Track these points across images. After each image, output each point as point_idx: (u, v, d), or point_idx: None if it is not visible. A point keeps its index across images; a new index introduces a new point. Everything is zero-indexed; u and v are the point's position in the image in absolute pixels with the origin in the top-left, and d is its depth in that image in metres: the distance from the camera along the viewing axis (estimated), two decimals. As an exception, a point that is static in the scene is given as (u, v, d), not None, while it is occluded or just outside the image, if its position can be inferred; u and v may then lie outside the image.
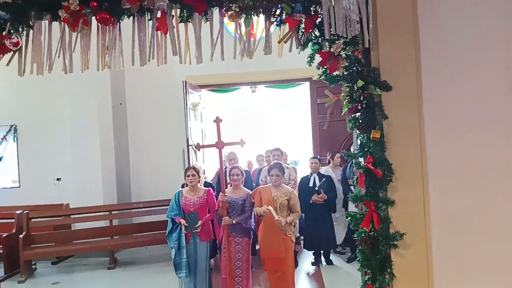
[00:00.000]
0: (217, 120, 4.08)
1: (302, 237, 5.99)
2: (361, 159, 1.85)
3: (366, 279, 1.88)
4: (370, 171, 1.80)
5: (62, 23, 1.90)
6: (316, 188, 5.53)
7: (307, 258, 5.96)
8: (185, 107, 6.94)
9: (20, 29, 1.94)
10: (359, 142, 1.89)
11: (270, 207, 3.99)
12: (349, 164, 5.80)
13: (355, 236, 1.86)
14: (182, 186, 5.01)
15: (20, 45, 1.93)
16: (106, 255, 6.66)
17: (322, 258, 5.82)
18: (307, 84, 7.38)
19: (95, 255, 6.66)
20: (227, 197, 4.17)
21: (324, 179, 5.59)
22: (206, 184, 5.23)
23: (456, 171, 1.86)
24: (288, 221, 4.02)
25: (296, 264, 5.17)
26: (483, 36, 1.87)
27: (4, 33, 1.96)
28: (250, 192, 4.29)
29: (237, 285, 4.16)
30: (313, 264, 5.71)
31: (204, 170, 7.29)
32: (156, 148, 7.39)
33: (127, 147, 7.76)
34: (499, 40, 1.87)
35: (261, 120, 8.99)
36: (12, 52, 2.00)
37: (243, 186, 4.53)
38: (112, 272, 6.23)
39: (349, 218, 1.91)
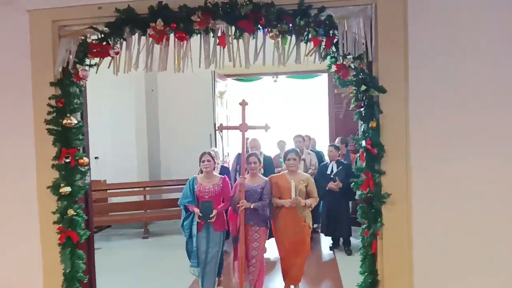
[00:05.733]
0: (243, 103, 3.97)
1: (315, 225, 5.91)
2: (363, 142, 2.65)
3: (363, 227, 2.70)
4: (368, 150, 2.60)
5: (149, 38, 2.73)
6: (332, 176, 5.64)
7: (322, 244, 6.14)
8: (213, 95, 7.75)
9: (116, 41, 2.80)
10: (362, 129, 2.69)
11: (292, 181, 3.88)
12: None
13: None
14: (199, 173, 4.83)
15: (119, 53, 2.78)
16: (139, 227, 7.63)
17: (341, 245, 5.85)
18: (325, 76, 8.10)
19: (130, 226, 7.63)
20: (246, 186, 3.94)
21: (341, 167, 5.65)
22: (222, 169, 5.49)
23: (434, 151, 2.62)
24: (307, 204, 3.98)
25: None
26: (474, 48, 2.58)
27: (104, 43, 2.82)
28: (268, 180, 4.14)
29: (250, 274, 4.06)
30: (331, 248, 5.82)
31: (228, 153, 8.11)
32: (185, 131, 8.22)
33: (158, 130, 8.62)
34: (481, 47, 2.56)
35: (282, 108, 9.68)
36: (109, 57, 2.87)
37: (265, 173, 4.51)
38: (146, 241, 7.18)
39: (353, 183, 2.72)
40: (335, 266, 5.32)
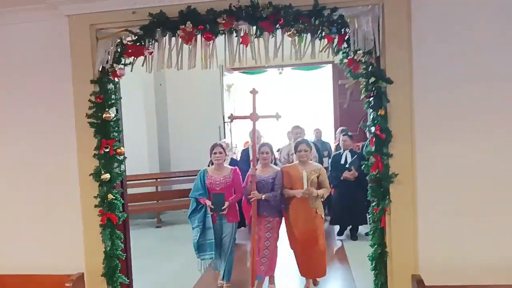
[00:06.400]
0: (253, 92, 3.88)
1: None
2: (372, 128, 3.01)
3: (373, 204, 3.07)
4: (378, 136, 2.96)
5: (179, 38, 3.07)
6: (347, 166, 5.63)
7: (331, 234, 6.16)
8: (221, 87, 8.08)
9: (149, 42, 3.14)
10: (371, 117, 3.04)
11: (304, 172, 3.88)
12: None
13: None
14: (209, 165, 4.74)
15: (153, 53, 3.13)
16: (152, 216, 7.99)
17: (347, 232, 5.95)
18: (329, 67, 8.43)
19: (143, 216, 8.00)
20: (257, 177, 3.96)
21: (356, 156, 5.62)
22: (232, 161, 5.58)
23: (437, 134, 2.97)
24: (319, 194, 3.95)
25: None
26: (469, 44, 2.91)
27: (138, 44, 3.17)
28: (279, 169, 4.15)
29: (262, 265, 4.07)
30: (338, 234, 5.89)
31: (236, 144, 8.45)
32: (194, 124, 8.54)
33: (167, 123, 8.93)
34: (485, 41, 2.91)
35: (287, 99, 10.02)
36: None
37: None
38: (159, 230, 7.56)
39: (364, 165, 3.09)
40: (344, 253, 5.50)
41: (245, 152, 6.28)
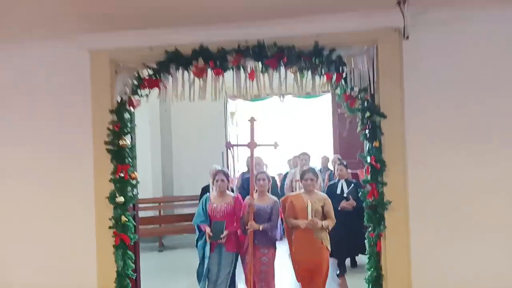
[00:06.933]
0: (252, 120, 3.95)
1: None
2: (368, 158, 3.30)
3: (369, 229, 3.32)
4: (373, 165, 3.24)
5: (191, 73, 3.41)
6: (345, 195, 5.45)
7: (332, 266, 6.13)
8: (225, 114, 8.40)
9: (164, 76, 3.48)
10: (367, 148, 3.34)
11: (309, 202, 3.82)
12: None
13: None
14: (205, 189, 4.92)
15: (167, 85, 3.47)
16: (155, 240, 8.14)
17: (348, 262, 5.74)
18: (328, 95, 8.77)
19: (145, 240, 8.14)
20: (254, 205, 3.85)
21: (352, 185, 5.47)
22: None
23: (428, 165, 3.26)
24: (324, 225, 3.87)
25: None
26: (458, 79, 3.23)
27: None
28: (277, 199, 4.09)
29: None
30: (338, 276, 5.52)
31: (239, 170, 8.67)
32: (197, 150, 8.78)
33: (171, 149, 9.17)
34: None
35: (288, 126, 10.33)
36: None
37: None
38: (162, 254, 7.69)
39: (360, 193, 3.36)
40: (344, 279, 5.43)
41: (244, 179, 6.07)
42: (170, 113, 9.13)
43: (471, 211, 3.21)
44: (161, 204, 8.32)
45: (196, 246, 4.14)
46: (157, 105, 8.51)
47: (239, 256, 4.12)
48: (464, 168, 3.22)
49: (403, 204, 3.22)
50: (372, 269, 3.31)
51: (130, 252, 3.52)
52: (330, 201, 4.05)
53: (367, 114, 3.22)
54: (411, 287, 3.20)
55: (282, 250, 4.75)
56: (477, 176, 3.21)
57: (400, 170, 3.23)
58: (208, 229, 3.94)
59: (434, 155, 3.25)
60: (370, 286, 3.29)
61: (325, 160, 7.49)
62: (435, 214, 3.23)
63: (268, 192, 4.13)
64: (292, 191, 5.66)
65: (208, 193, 4.27)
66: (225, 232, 3.90)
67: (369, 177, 3.30)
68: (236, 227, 4.02)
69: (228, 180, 4.17)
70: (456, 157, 3.23)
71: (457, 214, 3.22)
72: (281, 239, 4.18)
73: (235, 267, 4.13)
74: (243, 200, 4.11)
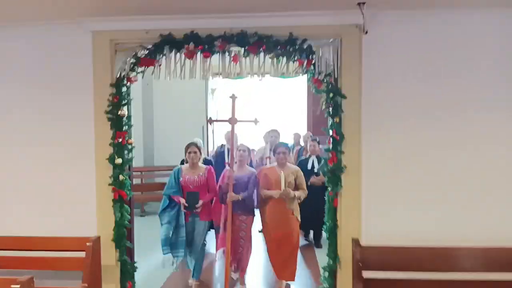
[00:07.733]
0: (233, 97, 4.27)
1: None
2: (330, 131, 4.03)
3: (329, 189, 4.07)
4: (334, 137, 3.96)
5: (183, 55, 4.00)
6: (315, 171, 5.72)
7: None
8: (206, 91, 8.93)
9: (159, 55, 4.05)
10: (330, 123, 4.06)
11: (282, 173, 4.12)
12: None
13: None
14: (181, 163, 5.09)
15: (161, 64, 4.05)
16: (137, 207, 8.76)
17: (311, 238, 6.11)
18: (304, 76, 9.41)
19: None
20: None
21: (323, 161, 5.44)
22: (206, 161, 5.52)
23: (379, 137, 4.00)
24: (296, 195, 4.16)
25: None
26: (407, 71, 3.99)
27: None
28: (255, 171, 4.41)
29: (234, 264, 4.24)
30: (305, 239, 5.97)
31: (221, 145, 9.24)
32: (178, 123, 9.27)
33: (152, 122, 9.62)
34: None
35: (266, 104, 10.93)
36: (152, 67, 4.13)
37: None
38: (143, 219, 8.33)
39: (323, 160, 4.10)
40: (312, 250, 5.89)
41: (219, 152, 6.55)
42: (152, 87, 9.59)
43: (415, 172, 3.91)
44: (143, 173, 8.91)
45: (160, 215, 4.33)
46: (139, 79, 8.93)
47: (215, 225, 4.42)
48: (411, 135, 3.90)
49: (357, 168, 3.96)
50: (330, 221, 4.07)
51: (126, 206, 4.15)
52: (302, 173, 4.43)
53: (331, 95, 3.93)
54: (361, 236, 3.95)
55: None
56: (422, 140, 3.90)
57: (355, 141, 3.95)
58: (183, 200, 4.15)
59: (385, 129, 3.97)
60: (328, 235, 4.06)
61: (297, 136, 7.96)
62: (383, 176, 3.95)
63: (247, 164, 4.50)
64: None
65: (180, 165, 4.52)
66: (200, 202, 4.16)
67: (330, 146, 4.03)
68: (210, 196, 4.28)
69: (201, 152, 4.40)
70: (403, 130, 3.91)
71: (403, 177, 3.93)
72: (257, 207, 4.50)
73: (206, 235, 4.46)
74: (214, 171, 4.43)
